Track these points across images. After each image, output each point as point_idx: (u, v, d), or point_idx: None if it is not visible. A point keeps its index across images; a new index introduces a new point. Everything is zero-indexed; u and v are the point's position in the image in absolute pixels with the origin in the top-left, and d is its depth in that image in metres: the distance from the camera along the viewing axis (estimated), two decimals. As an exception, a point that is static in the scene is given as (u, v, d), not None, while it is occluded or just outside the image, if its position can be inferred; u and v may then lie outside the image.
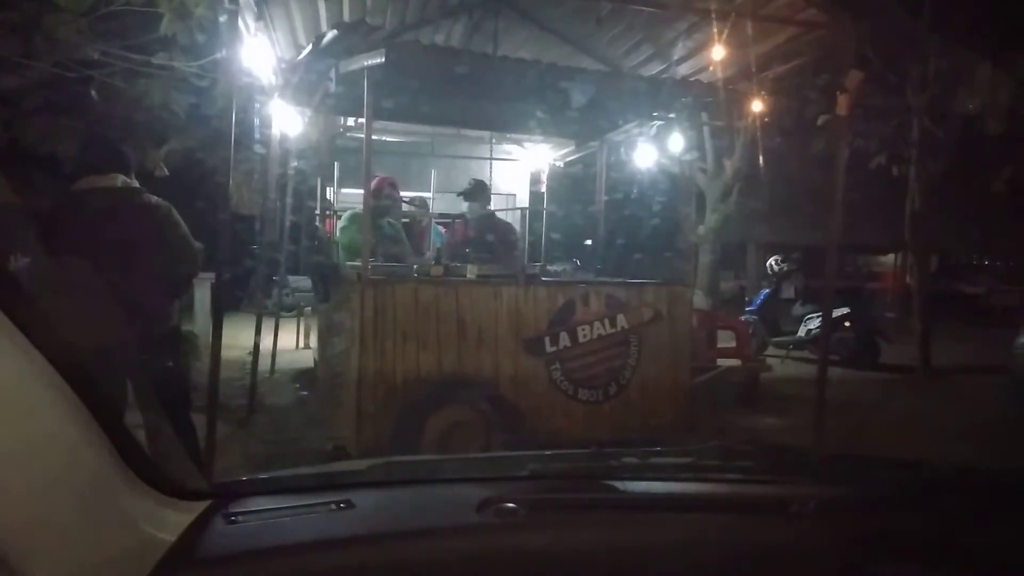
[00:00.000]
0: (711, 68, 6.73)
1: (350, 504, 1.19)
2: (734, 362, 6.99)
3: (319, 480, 1.42)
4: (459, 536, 1.16)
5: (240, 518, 1.11)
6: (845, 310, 9.76)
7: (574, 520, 1.23)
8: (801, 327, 10.25)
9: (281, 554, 1.04)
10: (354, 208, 5.51)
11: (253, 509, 1.15)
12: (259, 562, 1.02)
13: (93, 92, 6.66)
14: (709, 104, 6.14)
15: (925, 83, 9.58)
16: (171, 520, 1.01)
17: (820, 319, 9.17)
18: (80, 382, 0.74)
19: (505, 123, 6.88)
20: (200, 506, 1.10)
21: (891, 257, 21.42)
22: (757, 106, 6.44)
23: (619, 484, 1.40)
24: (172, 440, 1.14)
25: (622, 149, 7.23)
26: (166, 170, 6.89)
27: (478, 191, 6.09)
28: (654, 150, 6.96)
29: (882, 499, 1.37)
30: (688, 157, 8.18)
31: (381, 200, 5.58)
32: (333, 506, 1.18)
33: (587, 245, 7.14)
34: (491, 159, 7.67)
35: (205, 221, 4.64)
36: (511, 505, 1.21)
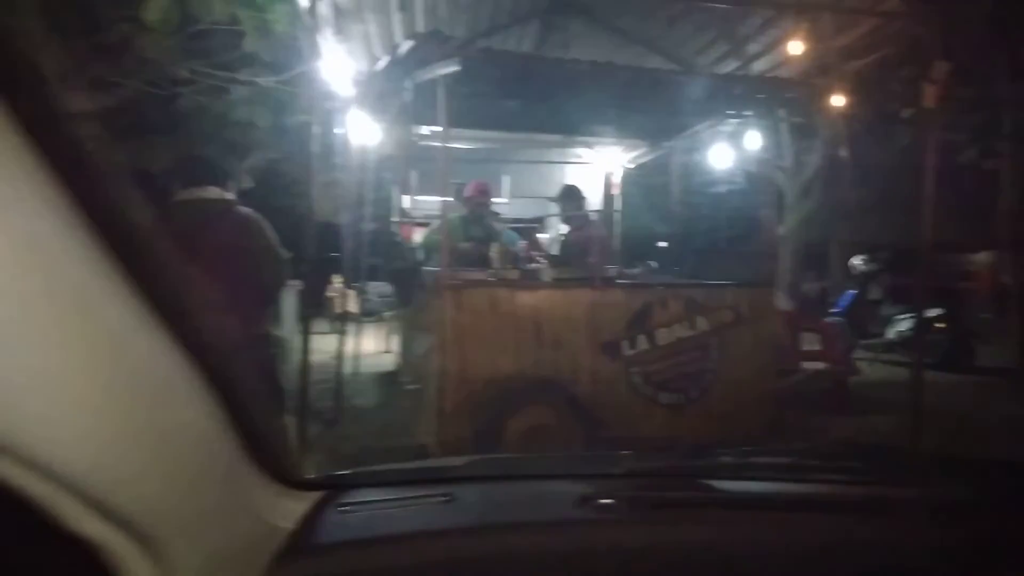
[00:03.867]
0: (788, 63, 6.57)
1: (452, 498, 1.22)
2: (820, 365, 6.78)
3: (421, 474, 1.46)
4: (559, 530, 1.17)
5: (351, 508, 1.15)
6: (937, 311, 9.34)
7: (673, 518, 1.22)
8: (890, 329, 9.86)
9: (391, 543, 1.08)
10: (447, 214, 5.66)
11: (362, 500, 1.19)
12: (370, 550, 1.06)
13: (182, 109, 6.99)
14: (787, 100, 5.99)
15: (1016, 72, 9.10)
16: (289, 509, 1.06)
17: (910, 320, 8.80)
18: (214, 377, 0.79)
19: (578, 126, 6.88)
20: (313, 496, 1.15)
21: (984, 255, 20.35)
22: (838, 101, 6.24)
23: (718, 483, 1.38)
24: (284, 434, 1.20)
25: (697, 149, 7.12)
26: (251, 182, 7.16)
27: (569, 195, 6.11)
28: (731, 149, 6.83)
29: (989, 501, 1.32)
30: (766, 155, 8.01)
31: (475, 205, 5.69)
32: (436, 499, 1.21)
33: (664, 247, 7.04)
34: (564, 163, 7.68)
35: (289, 230, 4.80)
36: (610, 501, 1.21)
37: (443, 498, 1.21)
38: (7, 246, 0.52)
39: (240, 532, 0.90)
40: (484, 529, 1.15)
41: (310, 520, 1.08)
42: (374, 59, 6.11)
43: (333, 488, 1.20)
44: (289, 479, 1.06)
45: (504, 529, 1.16)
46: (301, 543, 1.02)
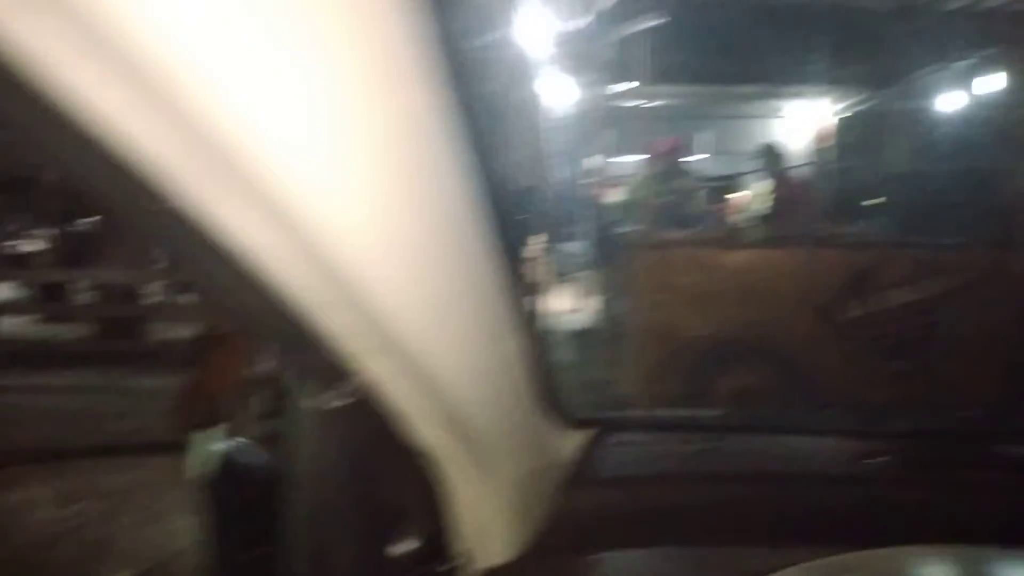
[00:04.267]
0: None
1: (716, 445, 1.22)
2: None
3: (684, 422, 1.48)
4: (831, 484, 1.14)
5: (621, 447, 1.19)
6: None
7: (958, 479, 1.15)
8: None
9: (660, 482, 1.12)
10: (640, 174, 5.61)
11: (632, 440, 1.23)
12: (643, 487, 1.10)
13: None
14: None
15: None
16: (568, 444, 1.11)
17: None
18: (523, 320, 0.84)
19: (787, 75, 6.47)
20: (585, 434, 1.19)
21: None
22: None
23: (1007, 448, 1.27)
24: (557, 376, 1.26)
25: (922, 95, 6.46)
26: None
27: (768, 152, 5.84)
28: (964, 94, 6.14)
29: None
30: (1004, 100, 7.10)
31: (673, 162, 5.59)
32: (701, 445, 1.22)
33: (885, 203, 6.45)
34: (769, 117, 7.28)
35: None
36: (884, 459, 1.16)
37: (708, 445, 1.21)
38: (423, 196, 0.58)
39: (535, 459, 0.96)
40: (753, 478, 1.14)
41: (586, 455, 1.13)
42: (576, 15, 6.08)
43: (602, 428, 1.24)
44: (567, 416, 1.10)
45: (773, 479, 1.15)
46: (580, 475, 1.08)
